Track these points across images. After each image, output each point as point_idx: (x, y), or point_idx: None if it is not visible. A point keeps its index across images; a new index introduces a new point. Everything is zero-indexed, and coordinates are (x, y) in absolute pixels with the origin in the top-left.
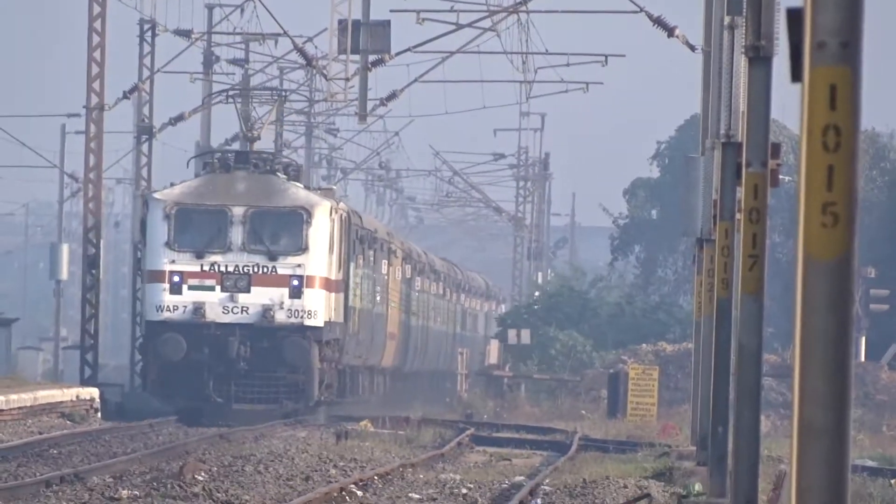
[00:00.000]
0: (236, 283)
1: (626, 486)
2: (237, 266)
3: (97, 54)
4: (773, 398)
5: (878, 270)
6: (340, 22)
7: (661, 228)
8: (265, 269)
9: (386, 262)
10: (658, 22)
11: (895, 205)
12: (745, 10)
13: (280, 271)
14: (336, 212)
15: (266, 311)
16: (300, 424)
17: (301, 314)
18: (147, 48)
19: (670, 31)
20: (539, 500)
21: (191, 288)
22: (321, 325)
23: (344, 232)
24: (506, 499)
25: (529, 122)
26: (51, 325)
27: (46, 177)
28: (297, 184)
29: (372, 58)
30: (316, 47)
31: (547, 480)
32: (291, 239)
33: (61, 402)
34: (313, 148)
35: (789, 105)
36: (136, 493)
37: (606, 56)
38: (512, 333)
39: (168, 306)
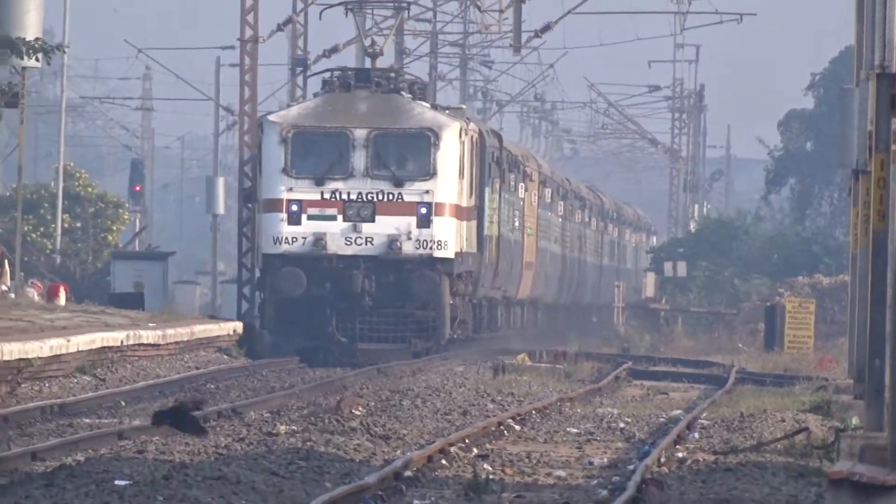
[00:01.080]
0: (359, 211)
1: (783, 420)
2: (360, 193)
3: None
4: None
5: None
6: None
7: (816, 160)
8: (390, 197)
9: (523, 186)
10: None
11: None
12: None
13: (406, 198)
14: (466, 133)
15: (392, 241)
16: (457, 358)
17: (430, 245)
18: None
19: None
20: (696, 434)
21: (310, 217)
22: (452, 256)
23: (476, 154)
24: (664, 433)
25: (684, 53)
26: (208, 258)
27: (202, 110)
28: (424, 103)
29: None
30: None
31: (704, 414)
32: (418, 163)
33: (218, 337)
34: (468, 80)
35: None
36: (293, 427)
37: None
38: (668, 266)
39: (286, 238)
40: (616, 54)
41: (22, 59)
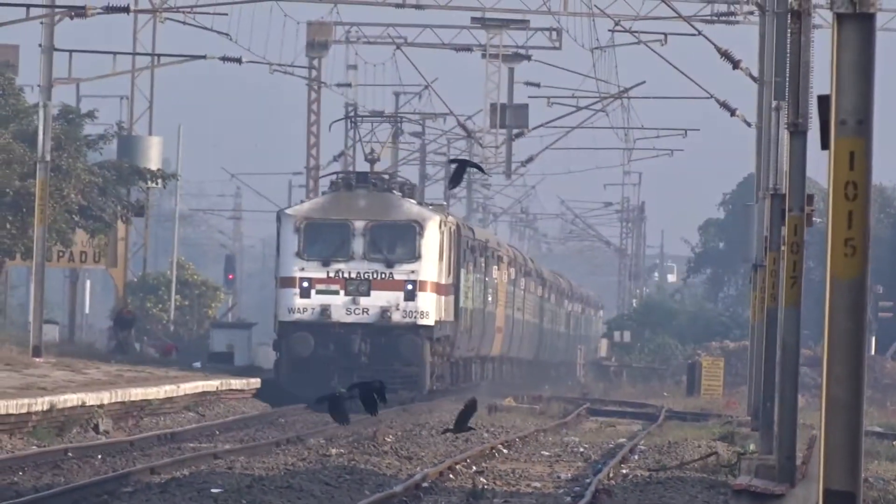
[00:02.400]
0: (358, 287)
1: (699, 446)
2: (359, 273)
3: (314, 128)
4: (807, 382)
5: (885, 288)
6: (492, 105)
7: (725, 256)
8: (383, 276)
9: (495, 267)
10: (723, 105)
11: None
12: (787, 96)
13: (396, 277)
14: (445, 224)
15: (384, 312)
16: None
17: (415, 315)
18: (350, 124)
19: (732, 112)
20: (636, 456)
21: (318, 292)
22: (432, 324)
23: (454, 242)
24: (612, 455)
25: (630, 178)
26: None
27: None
28: (411, 200)
29: (515, 131)
30: (474, 123)
31: (642, 442)
32: (406, 248)
33: None
34: (473, 198)
35: (820, 166)
36: (341, 450)
37: (686, 130)
38: (617, 334)
39: (298, 308)
40: (580, 179)
41: (147, 183)
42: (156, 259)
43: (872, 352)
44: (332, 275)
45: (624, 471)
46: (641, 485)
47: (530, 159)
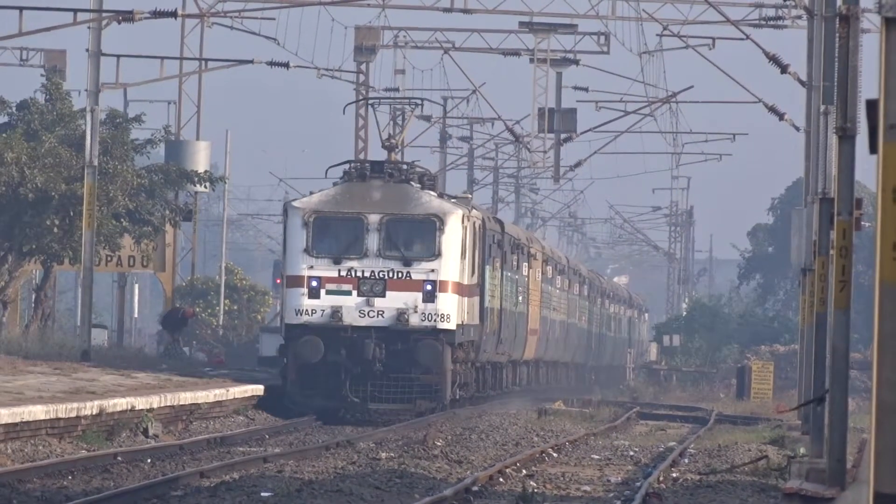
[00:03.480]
0: (372, 287)
1: (749, 450)
2: (373, 271)
3: (362, 132)
4: (857, 385)
5: None
6: (540, 109)
7: (775, 261)
8: (399, 275)
9: (527, 265)
10: (772, 109)
11: None
12: (835, 101)
13: (414, 276)
14: (469, 219)
15: (400, 314)
16: (512, 403)
17: (434, 318)
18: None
19: (781, 116)
20: (686, 459)
21: (328, 292)
22: (454, 328)
23: (479, 238)
24: (662, 458)
25: (678, 183)
26: None
27: None
28: (431, 192)
29: (563, 136)
30: (522, 128)
31: (692, 445)
32: (425, 245)
33: None
34: (521, 202)
35: (868, 170)
36: (391, 454)
37: (734, 134)
38: (666, 338)
39: (307, 310)
40: (628, 183)
41: (195, 186)
42: (204, 264)
43: None
44: (343, 273)
45: (674, 474)
46: (692, 488)
47: (578, 164)
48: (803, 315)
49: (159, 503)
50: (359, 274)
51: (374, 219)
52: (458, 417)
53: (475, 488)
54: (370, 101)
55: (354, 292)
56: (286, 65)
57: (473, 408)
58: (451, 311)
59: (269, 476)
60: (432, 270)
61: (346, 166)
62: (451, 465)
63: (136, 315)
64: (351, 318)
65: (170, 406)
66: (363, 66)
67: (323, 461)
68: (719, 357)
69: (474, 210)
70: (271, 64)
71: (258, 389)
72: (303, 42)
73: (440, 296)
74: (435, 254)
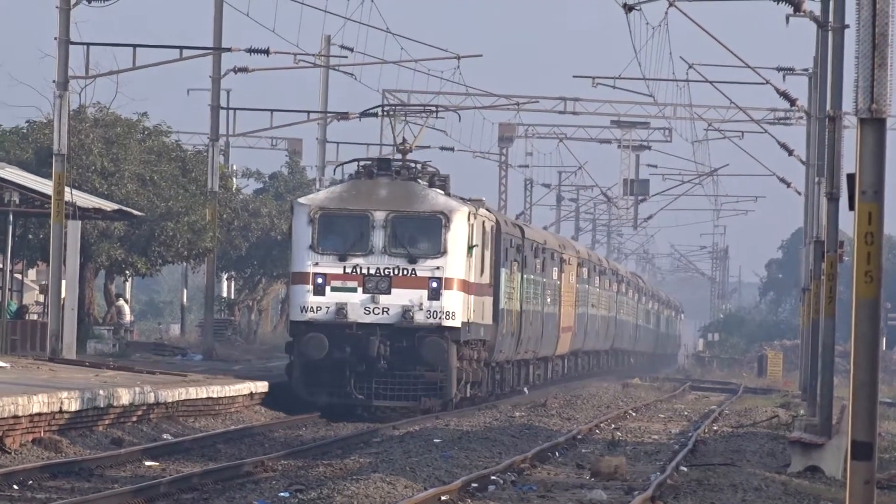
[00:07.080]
0: (377, 284)
1: (766, 411)
2: (378, 268)
3: (503, 196)
4: (840, 368)
5: (892, 303)
6: (624, 179)
7: (784, 283)
8: (405, 272)
9: (556, 268)
10: (782, 180)
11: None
12: (825, 174)
13: (419, 274)
14: (476, 217)
15: (406, 311)
16: (607, 378)
17: (439, 315)
18: (383, 112)
19: (788, 185)
20: (723, 418)
21: (333, 289)
22: (459, 325)
23: (490, 238)
24: (707, 417)
25: (718, 229)
26: None
27: None
28: (438, 190)
29: (640, 197)
30: (612, 192)
31: (727, 408)
32: (430, 242)
33: None
34: (611, 243)
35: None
36: (523, 413)
37: (756, 197)
38: (710, 335)
39: (312, 307)
40: (684, 230)
41: None
42: None
43: (884, 348)
44: (349, 270)
45: (715, 427)
46: (727, 437)
47: (650, 217)
48: (803, 320)
49: (365, 447)
50: (364, 271)
51: (379, 216)
52: (569, 388)
53: (579, 437)
54: (387, 111)
55: (360, 289)
56: (452, 149)
57: (579, 381)
58: (457, 308)
59: (440, 429)
60: (438, 268)
61: (355, 165)
62: (563, 420)
63: None
64: (356, 315)
65: None
66: (504, 151)
67: (475, 418)
68: (746, 348)
69: (484, 211)
70: (442, 149)
71: None
72: (463, 133)
73: (445, 293)
74: (440, 251)
